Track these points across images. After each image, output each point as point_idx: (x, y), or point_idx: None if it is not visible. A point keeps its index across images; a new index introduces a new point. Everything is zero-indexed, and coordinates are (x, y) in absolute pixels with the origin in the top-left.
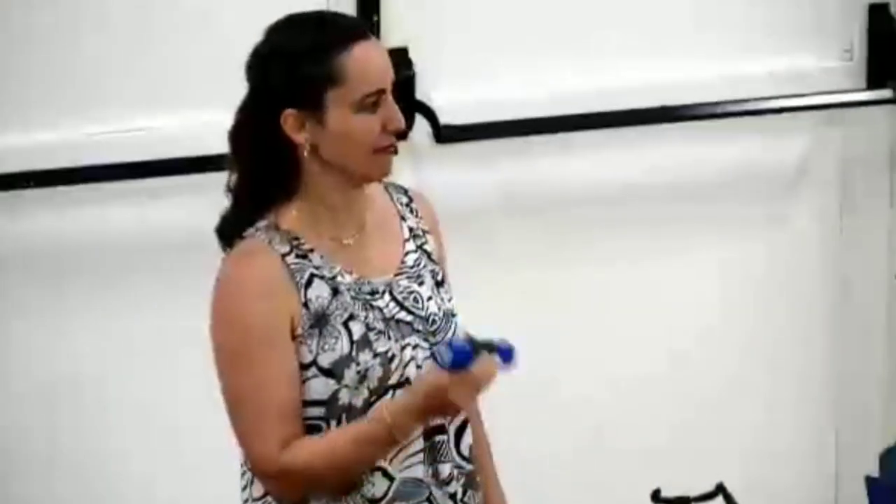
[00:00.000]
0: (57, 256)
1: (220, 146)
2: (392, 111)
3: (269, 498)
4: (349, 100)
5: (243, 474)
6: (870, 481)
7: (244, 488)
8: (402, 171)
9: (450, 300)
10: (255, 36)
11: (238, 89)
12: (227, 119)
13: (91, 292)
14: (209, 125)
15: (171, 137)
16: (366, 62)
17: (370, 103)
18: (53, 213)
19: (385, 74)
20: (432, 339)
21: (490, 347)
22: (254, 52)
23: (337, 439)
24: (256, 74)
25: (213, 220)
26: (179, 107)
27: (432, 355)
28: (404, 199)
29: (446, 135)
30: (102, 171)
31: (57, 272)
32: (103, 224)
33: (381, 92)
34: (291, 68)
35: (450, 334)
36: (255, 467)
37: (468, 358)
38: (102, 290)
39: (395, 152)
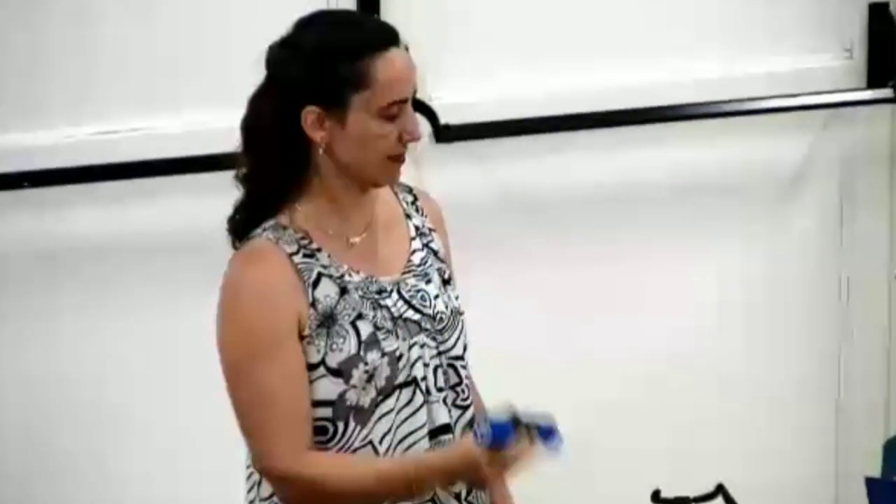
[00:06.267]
0: (56, 256)
1: (220, 146)
2: (411, 122)
3: (275, 499)
4: (373, 105)
5: (249, 475)
6: (870, 481)
7: (250, 489)
8: (402, 170)
9: (457, 298)
10: (255, 36)
11: (238, 89)
12: (226, 119)
13: (90, 292)
14: (209, 125)
15: (171, 137)
16: (395, 70)
17: (392, 113)
18: (52, 213)
19: (410, 84)
20: (440, 338)
21: (531, 427)
22: (282, 43)
23: (358, 466)
24: (283, 66)
25: (213, 220)
26: (179, 107)
27: (473, 432)
28: (409, 198)
29: (446, 135)
30: (102, 171)
31: (56, 272)
32: (102, 224)
33: (404, 101)
34: (322, 65)
35: (457, 333)
36: (263, 468)
37: (507, 437)
38: (101, 290)
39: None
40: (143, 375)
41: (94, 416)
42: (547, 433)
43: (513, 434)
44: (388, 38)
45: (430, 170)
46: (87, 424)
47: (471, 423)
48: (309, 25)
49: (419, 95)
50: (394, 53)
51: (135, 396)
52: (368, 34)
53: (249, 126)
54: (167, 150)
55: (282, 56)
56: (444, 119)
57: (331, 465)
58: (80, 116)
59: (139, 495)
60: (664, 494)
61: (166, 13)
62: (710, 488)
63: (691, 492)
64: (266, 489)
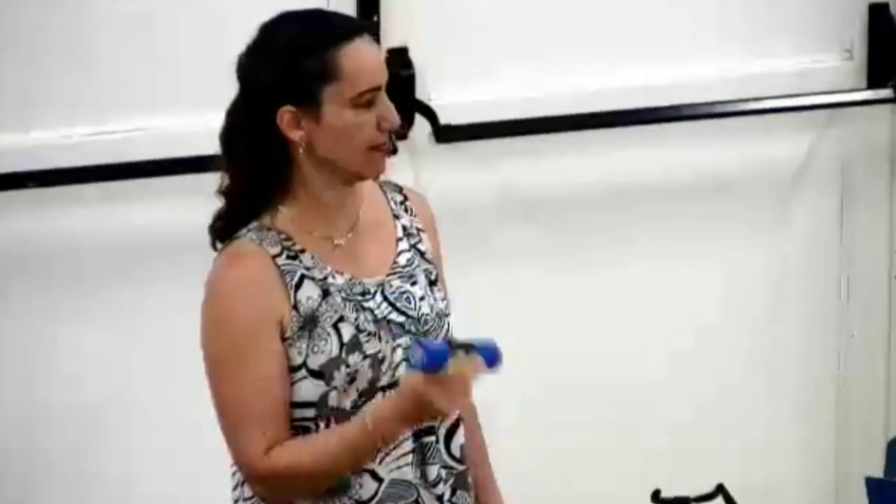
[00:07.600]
0: (55, 256)
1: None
2: (387, 109)
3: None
4: (345, 96)
5: (234, 474)
6: (870, 481)
7: (235, 488)
8: (403, 171)
9: (443, 300)
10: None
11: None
12: None
13: (90, 292)
14: (208, 125)
15: (171, 137)
16: (362, 59)
17: (366, 101)
18: (52, 213)
19: (380, 71)
20: (424, 340)
21: (469, 348)
22: (247, 49)
23: (321, 441)
24: (251, 71)
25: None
26: (178, 107)
27: (406, 358)
28: (399, 198)
29: (446, 135)
30: (102, 171)
31: (55, 272)
32: (102, 224)
33: (377, 89)
34: (287, 64)
35: (441, 335)
36: (241, 468)
37: (442, 359)
38: (101, 290)
39: (393, 152)
40: (143, 375)
41: (94, 415)
42: (488, 354)
43: (447, 356)
44: (352, 29)
45: (430, 170)
46: (87, 424)
47: (455, 426)
48: (272, 27)
49: (419, 96)
50: (358, 43)
51: (135, 396)
52: (331, 27)
53: (228, 136)
54: (167, 150)
55: (249, 62)
56: (444, 119)
57: (296, 453)
58: (79, 117)
59: (139, 495)
60: (664, 494)
61: (166, 14)
62: (710, 488)
63: (691, 492)
64: (249, 489)
